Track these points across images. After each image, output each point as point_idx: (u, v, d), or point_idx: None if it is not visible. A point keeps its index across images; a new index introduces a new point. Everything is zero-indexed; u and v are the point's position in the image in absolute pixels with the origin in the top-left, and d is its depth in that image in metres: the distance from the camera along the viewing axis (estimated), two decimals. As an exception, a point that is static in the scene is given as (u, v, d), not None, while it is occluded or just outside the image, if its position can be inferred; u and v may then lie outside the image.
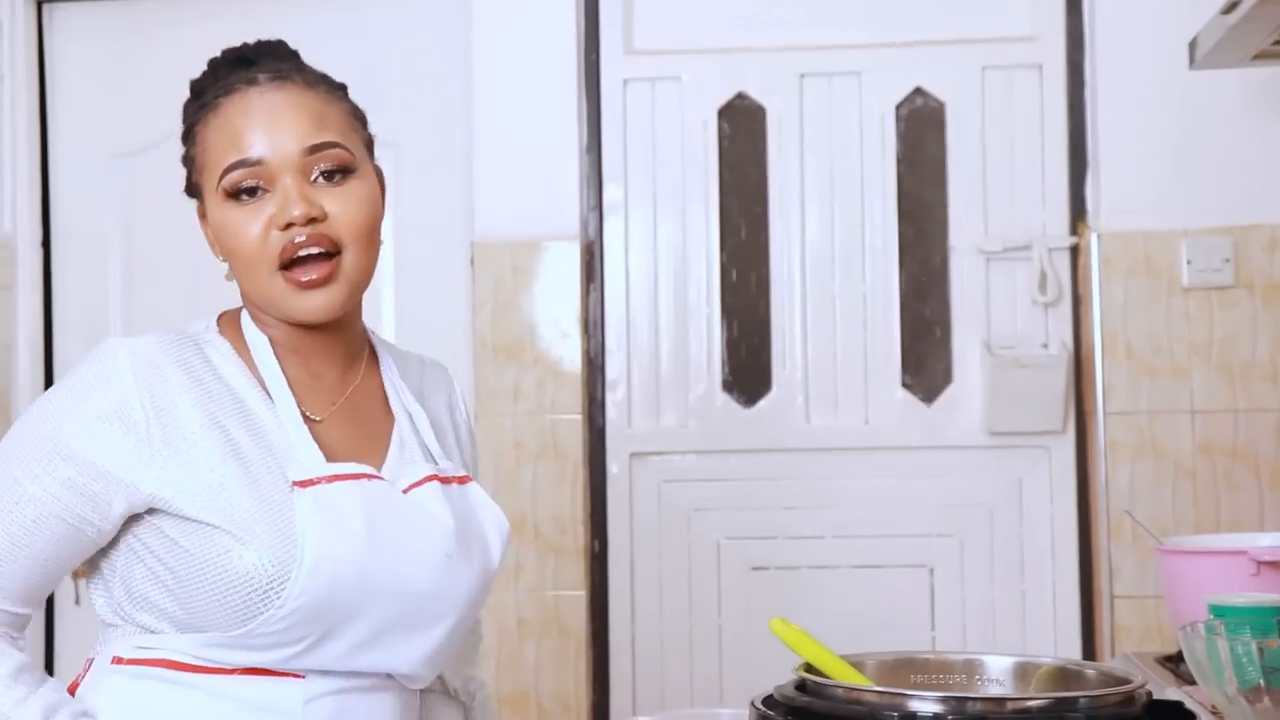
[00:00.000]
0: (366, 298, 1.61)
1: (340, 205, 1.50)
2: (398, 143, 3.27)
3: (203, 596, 1.43)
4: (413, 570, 1.49)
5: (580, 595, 3.16)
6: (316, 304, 1.50)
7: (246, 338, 1.56)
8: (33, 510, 1.45)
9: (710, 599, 3.22)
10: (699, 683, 3.21)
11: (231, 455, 1.46)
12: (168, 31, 3.40)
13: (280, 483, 1.46)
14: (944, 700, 1.23)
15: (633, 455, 3.24)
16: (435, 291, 3.29)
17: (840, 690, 1.29)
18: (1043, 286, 3.14)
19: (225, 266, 1.55)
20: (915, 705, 1.23)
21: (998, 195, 3.20)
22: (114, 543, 1.50)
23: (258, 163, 1.50)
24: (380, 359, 1.66)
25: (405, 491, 1.53)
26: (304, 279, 1.49)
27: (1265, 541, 2.29)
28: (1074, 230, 3.17)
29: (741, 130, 3.28)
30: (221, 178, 1.50)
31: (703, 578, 3.22)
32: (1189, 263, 3.06)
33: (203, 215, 1.56)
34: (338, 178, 1.52)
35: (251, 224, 1.49)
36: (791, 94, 3.25)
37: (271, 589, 1.42)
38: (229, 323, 1.59)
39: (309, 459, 1.49)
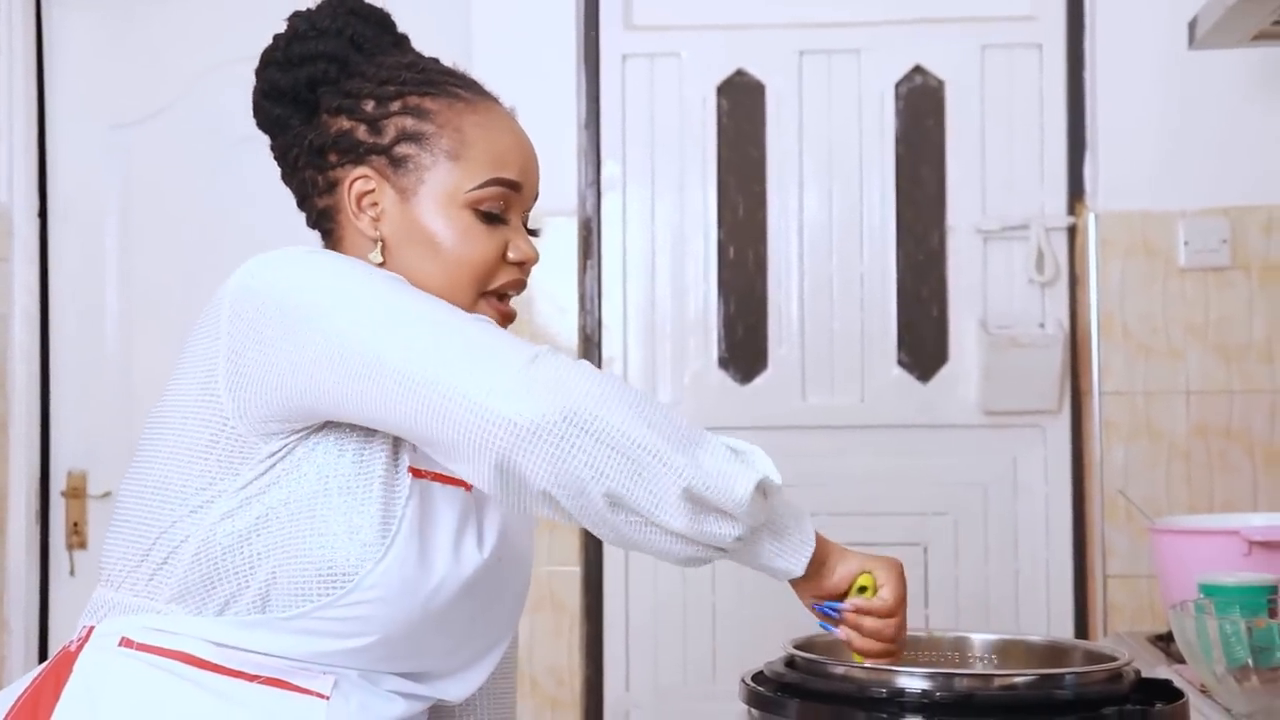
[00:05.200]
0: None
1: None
2: (396, 117, 3.27)
3: (327, 534, 1.34)
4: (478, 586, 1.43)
5: (575, 571, 3.17)
6: None
7: None
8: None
9: (704, 575, 3.23)
10: (692, 658, 3.23)
11: None
12: (168, 2, 3.39)
13: (392, 458, 1.38)
14: (931, 677, 1.24)
15: (628, 431, 3.23)
16: (432, 266, 3.28)
17: (829, 667, 1.30)
18: (1040, 266, 3.14)
19: (365, 242, 1.47)
20: (904, 682, 1.24)
21: (996, 175, 3.20)
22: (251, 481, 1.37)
23: (516, 191, 1.50)
24: None
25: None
26: (507, 310, 1.51)
27: (1257, 522, 2.30)
28: (1071, 210, 3.17)
29: (740, 107, 3.27)
30: (481, 186, 1.47)
31: (697, 554, 3.23)
32: (1186, 243, 3.06)
33: (361, 178, 1.47)
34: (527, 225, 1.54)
35: (490, 243, 1.47)
36: (791, 71, 3.25)
37: (353, 571, 1.34)
38: None
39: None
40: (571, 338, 3.19)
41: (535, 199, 1.54)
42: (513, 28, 3.20)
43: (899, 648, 1.37)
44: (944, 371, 3.21)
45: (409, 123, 1.47)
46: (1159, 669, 1.96)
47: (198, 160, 3.37)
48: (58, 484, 3.39)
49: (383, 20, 1.57)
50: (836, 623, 1.37)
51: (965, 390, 3.19)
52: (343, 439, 1.37)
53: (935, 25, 3.22)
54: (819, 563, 1.37)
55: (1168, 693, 1.30)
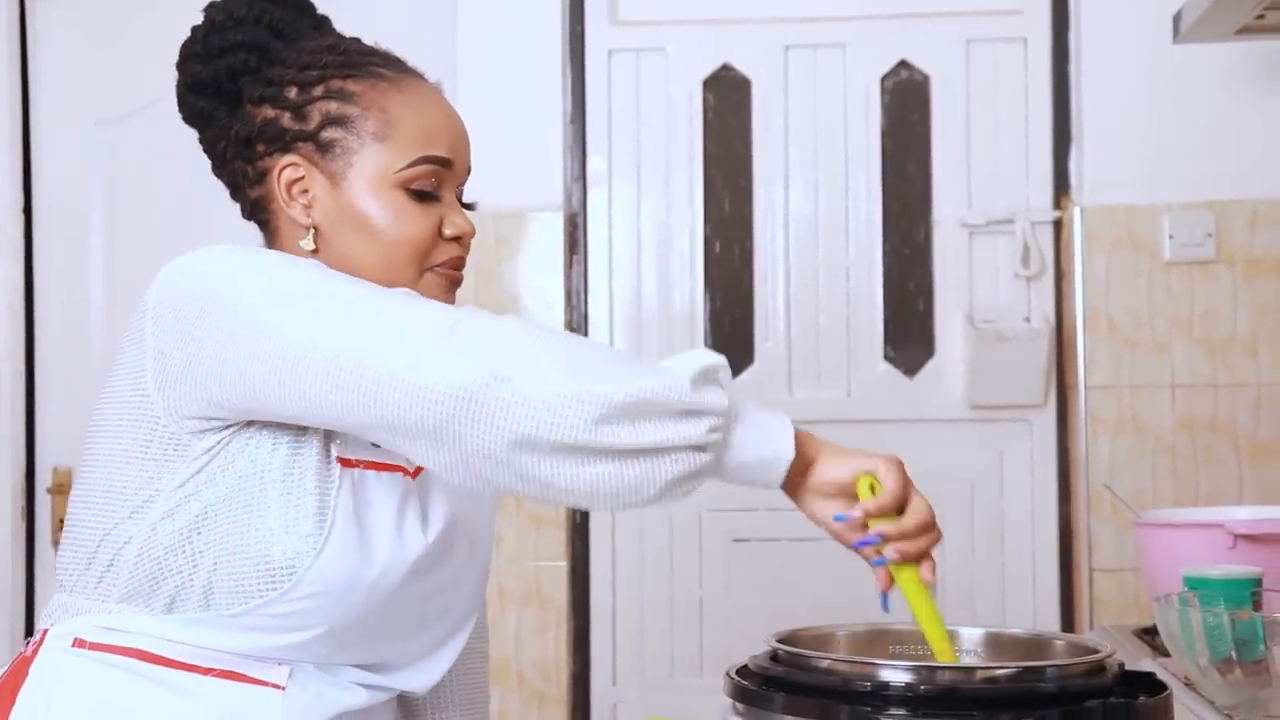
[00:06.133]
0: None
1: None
2: (381, 112, 3.26)
3: (262, 531, 1.33)
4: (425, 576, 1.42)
5: (561, 566, 3.17)
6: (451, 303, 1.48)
7: None
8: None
9: (691, 571, 3.23)
10: (679, 654, 3.23)
11: None
12: (151, -2, 3.39)
13: (324, 449, 1.38)
14: (915, 670, 1.24)
15: (615, 426, 3.23)
16: (418, 261, 3.28)
17: (814, 661, 1.30)
18: (1025, 260, 3.14)
19: (297, 230, 1.46)
20: (887, 675, 1.24)
21: (981, 169, 3.21)
22: (189, 479, 1.36)
23: (447, 167, 1.47)
24: None
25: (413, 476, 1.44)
26: (457, 274, 1.48)
27: (1242, 515, 2.31)
28: (1057, 204, 3.17)
29: (726, 102, 3.27)
30: (411, 165, 1.45)
31: (684, 549, 3.23)
32: (1171, 237, 3.07)
33: (289, 166, 1.46)
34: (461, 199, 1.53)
35: (424, 221, 1.45)
36: (776, 66, 3.25)
37: (298, 561, 1.34)
38: None
39: (352, 437, 1.38)
40: (558, 333, 3.18)
41: (468, 173, 1.52)
42: (498, 23, 3.20)
43: (932, 539, 1.37)
44: (930, 365, 3.21)
45: (333, 107, 1.45)
46: (1143, 662, 1.96)
47: (183, 155, 3.29)
48: (43, 481, 3.38)
49: (300, 4, 1.55)
50: (878, 551, 1.34)
51: (951, 384, 3.19)
52: (277, 433, 1.36)
53: (920, 20, 3.22)
54: (806, 458, 1.34)
55: (1151, 685, 1.30)
